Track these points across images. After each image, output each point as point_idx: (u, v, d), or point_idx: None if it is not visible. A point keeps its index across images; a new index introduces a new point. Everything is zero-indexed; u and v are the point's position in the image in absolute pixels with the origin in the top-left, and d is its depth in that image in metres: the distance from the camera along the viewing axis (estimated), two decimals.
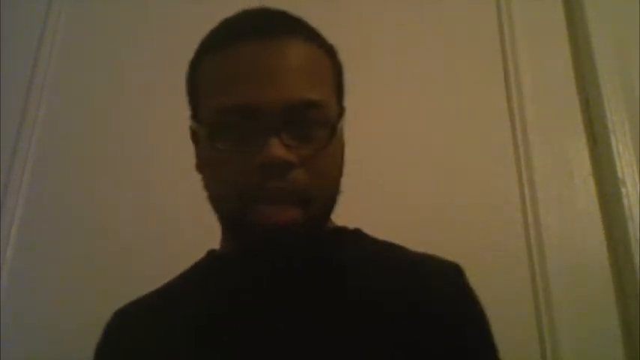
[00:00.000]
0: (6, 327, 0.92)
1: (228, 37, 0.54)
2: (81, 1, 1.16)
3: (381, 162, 0.98)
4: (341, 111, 0.56)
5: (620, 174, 0.99)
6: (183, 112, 1.09)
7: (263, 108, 0.49)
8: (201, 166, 0.58)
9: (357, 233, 0.61)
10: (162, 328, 0.57)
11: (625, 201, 0.97)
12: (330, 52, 0.56)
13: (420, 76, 1.08)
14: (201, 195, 1.02)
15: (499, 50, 1.10)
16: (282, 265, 0.54)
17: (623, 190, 0.98)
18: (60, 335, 0.91)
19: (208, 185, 0.57)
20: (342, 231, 0.61)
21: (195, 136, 0.59)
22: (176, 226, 0.96)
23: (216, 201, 0.56)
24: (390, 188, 0.97)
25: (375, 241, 0.60)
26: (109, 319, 0.66)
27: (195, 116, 0.57)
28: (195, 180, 1.02)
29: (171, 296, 0.62)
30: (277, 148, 0.48)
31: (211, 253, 0.63)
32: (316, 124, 0.51)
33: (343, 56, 0.58)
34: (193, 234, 0.95)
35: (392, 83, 1.06)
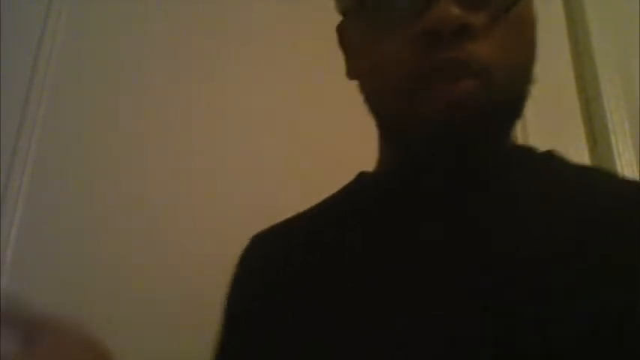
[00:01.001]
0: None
1: None
2: (81, 1, 1.16)
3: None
4: None
5: (620, 174, 0.99)
6: (184, 112, 1.09)
7: None
8: (353, 68, 0.50)
9: (549, 156, 0.49)
10: (299, 254, 0.48)
11: None
12: None
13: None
14: (202, 195, 1.03)
15: None
16: (433, 188, 0.43)
17: None
18: None
19: (365, 83, 0.47)
20: (525, 150, 0.50)
21: (341, 36, 0.51)
22: (177, 226, 0.96)
23: (377, 97, 0.46)
24: None
25: (574, 169, 0.48)
26: (247, 244, 0.57)
27: (342, 5, 0.48)
28: (196, 180, 1.02)
29: (310, 221, 0.53)
30: (449, 8, 0.38)
31: (362, 174, 0.53)
32: None
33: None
34: (194, 234, 0.95)
35: None
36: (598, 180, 0.47)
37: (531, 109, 1.04)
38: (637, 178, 0.99)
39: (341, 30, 0.52)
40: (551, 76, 1.09)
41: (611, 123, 1.02)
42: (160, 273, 0.92)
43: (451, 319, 0.36)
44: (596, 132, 1.04)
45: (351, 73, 0.50)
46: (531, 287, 0.35)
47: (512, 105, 0.45)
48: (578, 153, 1.04)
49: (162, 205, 0.99)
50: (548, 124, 1.05)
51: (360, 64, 0.48)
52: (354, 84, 0.50)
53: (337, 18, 0.53)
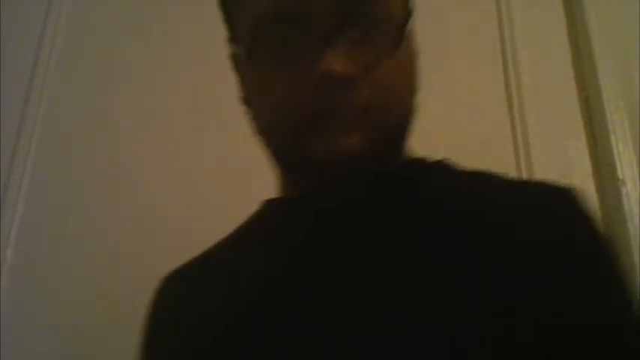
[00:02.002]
0: (6, 327, 0.92)
1: None
2: (81, 1, 1.16)
3: None
4: (408, 13, 0.46)
5: (620, 174, 0.99)
6: (184, 111, 1.09)
7: (314, 8, 0.40)
8: (245, 97, 0.51)
9: (442, 163, 0.51)
10: (216, 284, 0.50)
11: (625, 201, 0.97)
12: None
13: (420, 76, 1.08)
14: (202, 195, 1.02)
15: (499, 50, 1.10)
16: (345, 204, 0.45)
17: (623, 190, 0.98)
18: (60, 335, 0.91)
19: (255, 117, 0.48)
20: (421, 162, 0.51)
21: (235, 63, 0.52)
22: (178, 226, 0.96)
23: (266, 134, 0.47)
24: None
25: (464, 172, 0.51)
26: (159, 282, 0.58)
27: (232, 38, 0.49)
28: (197, 180, 1.02)
29: (228, 250, 0.55)
30: (335, 59, 0.39)
31: (267, 202, 0.54)
32: (379, 23, 0.42)
33: None
34: (195, 234, 0.95)
35: None
36: (489, 185, 0.49)
37: (531, 109, 1.06)
38: (634, 180, 0.99)
39: (234, 58, 0.52)
40: (551, 76, 1.09)
41: (611, 123, 1.02)
42: (161, 273, 0.92)
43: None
44: (596, 132, 1.04)
45: (244, 103, 0.51)
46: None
47: (398, 141, 0.47)
48: (578, 153, 1.04)
49: (162, 205, 0.99)
50: (548, 124, 1.05)
51: (252, 98, 0.49)
52: None
53: None
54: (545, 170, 1.01)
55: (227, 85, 1.06)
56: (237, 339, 0.43)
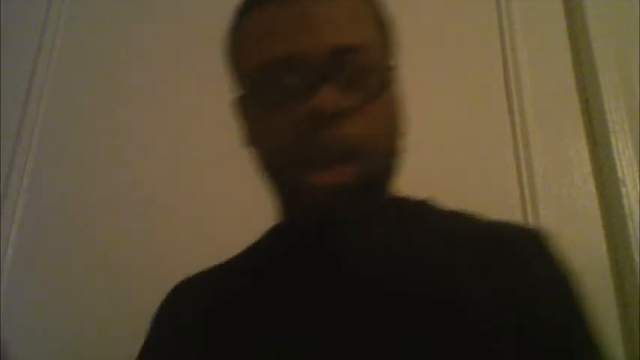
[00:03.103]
0: (6, 327, 0.92)
1: None
2: (81, 1, 1.16)
3: None
4: (393, 64, 0.53)
5: (620, 174, 0.99)
6: (184, 111, 1.09)
7: (308, 55, 0.46)
8: (248, 139, 0.55)
9: (423, 204, 0.57)
10: (221, 305, 0.54)
11: (625, 201, 0.97)
12: (375, 4, 0.54)
13: (420, 76, 1.08)
14: (202, 194, 1.03)
15: (499, 50, 1.10)
16: (336, 236, 0.50)
17: (623, 190, 0.98)
18: (60, 335, 0.92)
19: (257, 155, 0.53)
20: (404, 201, 0.56)
21: (239, 108, 0.57)
22: (177, 225, 0.96)
23: (268, 170, 0.52)
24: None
25: (443, 213, 0.56)
26: (169, 290, 0.62)
27: (236, 83, 0.55)
28: (196, 180, 1.02)
29: (231, 272, 0.59)
30: (327, 96, 0.45)
31: (272, 228, 0.60)
32: (366, 71, 0.48)
33: None
34: (194, 233, 0.95)
35: None
36: (464, 224, 0.54)
37: (531, 109, 1.06)
38: (634, 180, 0.99)
39: (237, 104, 0.57)
40: (551, 76, 1.09)
41: (611, 123, 1.02)
42: (161, 273, 0.92)
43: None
44: (596, 132, 1.04)
45: (247, 143, 0.56)
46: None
47: (383, 179, 0.51)
48: (578, 153, 1.04)
49: (162, 204, 0.99)
50: (548, 124, 1.05)
51: (253, 138, 0.54)
52: None
53: None
54: (545, 170, 1.01)
55: (226, 84, 1.06)
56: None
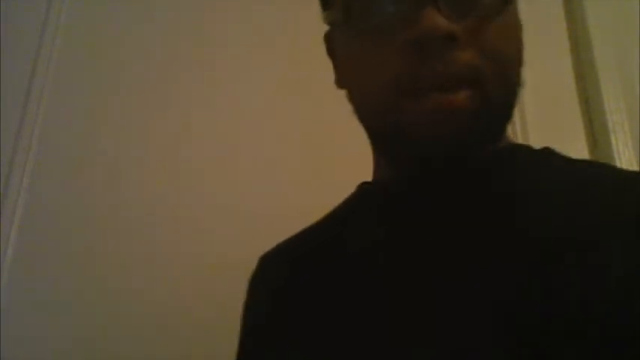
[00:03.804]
0: (6, 327, 0.92)
1: None
2: (81, 1, 1.16)
3: None
4: None
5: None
6: (183, 111, 1.09)
7: None
8: (341, 77, 0.50)
9: (546, 152, 0.49)
10: (311, 268, 0.48)
11: None
12: None
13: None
14: (202, 195, 1.03)
15: None
16: (451, 176, 0.42)
17: None
18: (60, 335, 0.91)
19: (352, 94, 0.47)
20: (522, 148, 0.49)
21: (329, 43, 0.51)
22: (177, 225, 0.96)
23: (365, 107, 0.45)
24: None
25: (571, 162, 0.47)
26: (256, 265, 0.57)
27: (327, 6, 0.48)
28: (196, 179, 1.02)
29: (316, 238, 0.52)
30: (435, 17, 0.38)
31: (363, 185, 0.53)
32: None
33: None
34: (194, 233, 0.95)
35: None
36: (604, 172, 0.46)
37: (531, 109, 1.06)
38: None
39: (328, 39, 0.51)
40: (551, 76, 1.09)
41: (611, 123, 1.02)
42: (161, 273, 0.92)
43: (473, 332, 0.35)
44: (596, 132, 1.04)
45: (340, 82, 0.50)
46: (557, 297, 0.34)
47: (504, 111, 0.44)
48: (578, 153, 1.03)
49: (162, 204, 0.99)
50: (548, 124, 1.05)
51: (348, 73, 0.48)
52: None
53: None
54: None
55: (228, 84, 1.06)
56: (333, 324, 0.41)
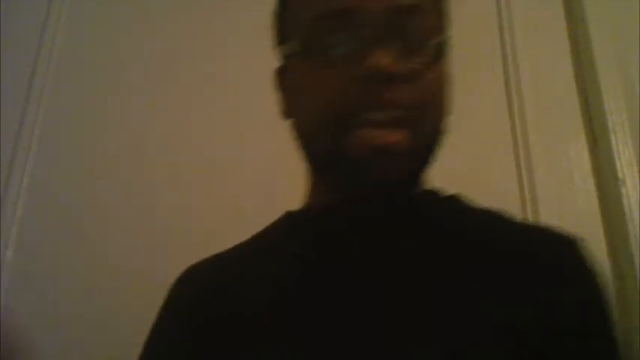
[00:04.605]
0: (6, 327, 0.92)
1: None
2: (81, 1, 1.16)
3: None
4: (447, 35, 0.51)
5: (620, 174, 0.99)
6: (183, 111, 1.09)
7: (365, 12, 0.44)
8: (289, 108, 0.54)
9: (455, 198, 0.54)
10: (233, 288, 0.51)
11: (625, 201, 0.97)
12: None
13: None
14: (201, 194, 1.02)
15: (499, 50, 1.10)
16: (365, 224, 0.47)
17: (623, 190, 0.98)
18: (60, 335, 0.91)
19: (300, 123, 0.51)
20: (438, 192, 0.54)
21: (280, 77, 0.55)
22: (176, 225, 0.96)
23: (308, 135, 0.49)
24: None
25: (477, 208, 0.53)
26: (180, 274, 0.59)
27: (282, 40, 0.53)
28: (195, 179, 1.02)
29: (244, 256, 0.55)
30: (383, 57, 0.43)
31: (289, 213, 0.56)
32: (423, 35, 0.46)
33: None
34: (194, 233, 0.95)
35: None
36: (503, 222, 0.51)
37: (531, 109, 1.06)
38: (634, 180, 0.99)
39: (279, 72, 0.55)
40: (551, 76, 1.09)
41: (611, 123, 1.02)
42: (162, 272, 0.92)
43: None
44: (596, 132, 1.04)
45: (287, 113, 0.54)
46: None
47: (428, 154, 0.49)
48: (578, 153, 1.04)
49: (162, 204, 0.99)
50: (548, 124, 1.05)
51: (296, 104, 0.51)
52: None
53: None
54: (545, 170, 1.01)
55: (227, 84, 1.06)
56: (244, 346, 0.45)
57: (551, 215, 0.98)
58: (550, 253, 0.46)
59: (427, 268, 0.44)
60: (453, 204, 0.53)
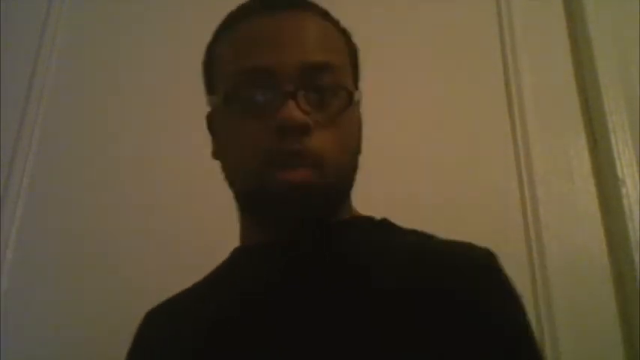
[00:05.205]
0: (6, 327, 0.92)
1: (245, 14, 0.56)
2: (81, 1, 1.16)
3: (380, 162, 0.98)
4: (357, 88, 0.58)
5: (620, 174, 0.99)
6: (183, 111, 1.09)
7: (279, 69, 0.50)
8: (217, 150, 0.60)
9: (384, 222, 0.59)
10: (182, 328, 0.56)
11: (625, 201, 0.97)
12: (344, 33, 0.59)
13: (420, 77, 1.08)
14: (201, 194, 1.03)
15: (499, 51, 1.10)
16: (299, 245, 0.53)
17: (623, 190, 0.98)
18: (60, 335, 0.91)
19: (226, 163, 0.58)
20: (364, 219, 0.59)
21: (210, 121, 0.62)
22: (176, 226, 0.96)
23: (234, 175, 0.56)
24: (389, 188, 0.97)
25: (402, 231, 0.58)
26: (141, 319, 0.65)
27: (211, 92, 0.60)
28: (195, 179, 1.02)
29: (194, 295, 0.62)
30: (294, 111, 0.49)
31: (234, 250, 0.62)
32: (332, 89, 0.53)
33: None
34: (194, 234, 0.95)
35: (392, 83, 1.06)
36: (426, 244, 0.56)
37: (531, 109, 1.06)
38: (634, 180, 0.99)
39: (209, 118, 0.63)
40: (551, 76, 1.09)
41: (611, 123, 1.02)
42: (161, 273, 0.92)
43: None
44: (596, 132, 1.04)
45: (216, 154, 0.60)
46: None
47: (340, 187, 0.54)
48: (578, 153, 1.04)
49: (162, 204, 0.99)
50: (548, 124, 1.05)
51: (223, 147, 0.58)
52: None
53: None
54: (545, 170, 1.02)
55: None
56: None
57: (551, 215, 0.99)
58: (465, 274, 0.50)
59: (341, 297, 0.48)
60: (379, 228, 0.58)
